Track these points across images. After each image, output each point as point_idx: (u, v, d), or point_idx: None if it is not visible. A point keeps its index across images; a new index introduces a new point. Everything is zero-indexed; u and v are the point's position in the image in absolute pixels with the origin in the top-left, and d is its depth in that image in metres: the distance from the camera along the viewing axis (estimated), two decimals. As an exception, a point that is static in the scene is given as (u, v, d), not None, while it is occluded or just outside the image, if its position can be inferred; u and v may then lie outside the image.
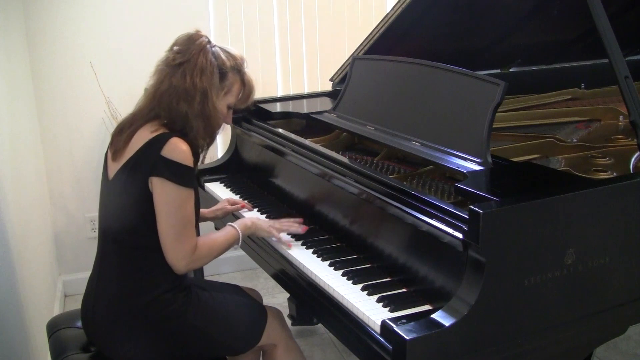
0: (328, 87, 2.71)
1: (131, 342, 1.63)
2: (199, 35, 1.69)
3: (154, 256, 1.61)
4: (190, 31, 1.71)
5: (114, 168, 1.66)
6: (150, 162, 1.57)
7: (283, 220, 1.88)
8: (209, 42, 1.69)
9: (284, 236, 1.84)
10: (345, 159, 1.86)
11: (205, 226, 2.20)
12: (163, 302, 1.62)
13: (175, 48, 1.67)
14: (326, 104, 2.50)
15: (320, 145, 2.04)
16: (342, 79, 2.51)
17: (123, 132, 1.66)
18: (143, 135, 1.62)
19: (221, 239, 1.73)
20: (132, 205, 1.61)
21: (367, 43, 2.45)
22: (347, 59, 2.53)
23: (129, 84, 3.04)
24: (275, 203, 2.17)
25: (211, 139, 1.74)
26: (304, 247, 1.80)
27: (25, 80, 2.83)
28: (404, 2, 2.25)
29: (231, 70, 1.70)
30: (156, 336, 1.63)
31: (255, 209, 2.11)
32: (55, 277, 3.10)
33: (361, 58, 2.30)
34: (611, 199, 1.49)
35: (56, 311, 2.81)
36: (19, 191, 2.34)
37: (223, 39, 3.23)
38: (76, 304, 3.03)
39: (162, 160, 1.56)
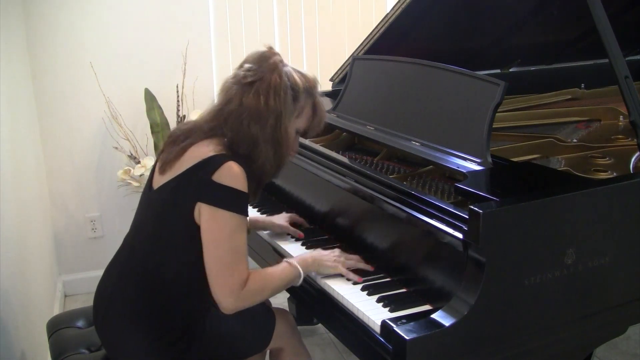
0: (328, 87, 2.71)
1: (139, 351, 1.58)
2: (272, 53, 1.57)
3: (175, 292, 1.54)
4: (262, 49, 1.59)
5: (159, 180, 1.56)
6: (199, 186, 1.46)
7: (350, 255, 1.67)
8: (282, 61, 1.57)
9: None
10: (345, 159, 1.86)
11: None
12: (175, 337, 1.56)
13: (246, 66, 1.55)
14: (326, 104, 2.49)
15: (320, 145, 2.04)
16: (342, 79, 2.50)
17: (176, 143, 1.55)
18: (197, 153, 1.50)
19: (277, 274, 1.57)
20: (166, 227, 1.52)
21: (367, 43, 2.45)
22: (347, 59, 2.53)
23: (129, 84, 3.05)
24: (275, 203, 2.17)
25: (279, 167, 1.59)
26: (304, 247, 1.81)
27: (25, 80, 2.83)
28: (404, 2, 2.25)
29: (304, 92, 1.57)
30: (165, 350, 1.58)
31: (256, 209, 2.11)
32: (55, 277, 3.10)
33: (361, 58, 2.30)
34: (611, 199, 1.49)
35: (56, 311, 2.81)
36: (19, 191, 2.33)
37: (223, 39, 3.23)
38: (76, 304, 3.04)
39: (213, 186, 1.44)
